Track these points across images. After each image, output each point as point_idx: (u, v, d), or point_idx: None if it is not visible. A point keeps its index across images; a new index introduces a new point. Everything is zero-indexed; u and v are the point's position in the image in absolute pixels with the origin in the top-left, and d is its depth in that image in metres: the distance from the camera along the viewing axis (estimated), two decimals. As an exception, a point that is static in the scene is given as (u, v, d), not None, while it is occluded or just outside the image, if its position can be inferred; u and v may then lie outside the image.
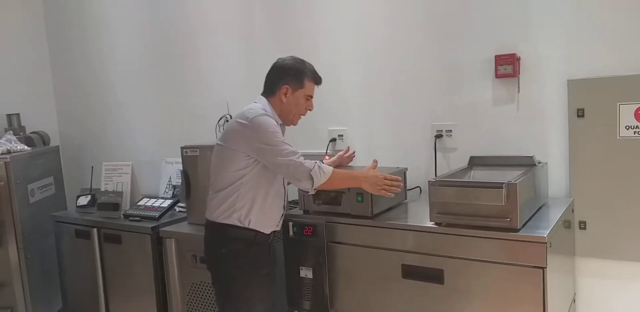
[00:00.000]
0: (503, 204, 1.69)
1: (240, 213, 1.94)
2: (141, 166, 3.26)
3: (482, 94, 2.35)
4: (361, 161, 2.50)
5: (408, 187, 2.27)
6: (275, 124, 1.93)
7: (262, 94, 2.06)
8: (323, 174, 1.90)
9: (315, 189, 1.92)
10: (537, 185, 1.99)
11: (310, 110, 2.09)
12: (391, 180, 1.96)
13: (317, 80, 2.07)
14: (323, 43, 2.71)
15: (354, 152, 2.35)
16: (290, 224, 2.12)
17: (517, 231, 1.70)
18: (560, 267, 1.90)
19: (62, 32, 3.74)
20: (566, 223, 2.01)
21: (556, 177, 2.21)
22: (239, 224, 1.94)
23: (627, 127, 2.06)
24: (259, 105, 1.99)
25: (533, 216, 1.88)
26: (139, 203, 2.88)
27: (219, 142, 1.99)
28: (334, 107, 2.72)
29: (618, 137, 2.07)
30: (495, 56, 2.25)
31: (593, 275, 2.17)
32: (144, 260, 2.62)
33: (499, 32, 2.28)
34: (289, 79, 2.01)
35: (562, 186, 2.21)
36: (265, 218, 1.98)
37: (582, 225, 2.16)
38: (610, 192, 2.10)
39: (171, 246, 2.49)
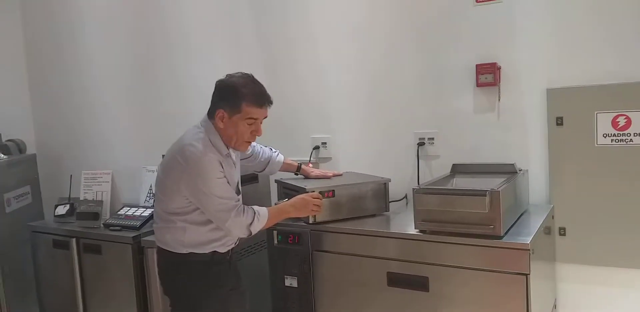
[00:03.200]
0: (486, 211, 1.72)
1: (189, 243, 1.88)
2: (121, 174, 3.20)
3: (464, 102, 2.38)
4: (345, 169, 2.52)
5: (392, 199, 2.27)
6: (219, 166, 1.80)
7: (207, 115, 1.92)
8: (260, 224, 1.87)
9: None
10: (519, 192, 2.03)
11: (258, 135, 1.91)
12: (319, 198, 1.98)
13: (260, 102, 1.85)
14: (308, 50, 2.72)
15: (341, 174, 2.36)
16: (275, 232, 2.12)
17: (500, 238, 1.73)
18: (542, 273, 1.93)
19: (38, 39, 3.67)
20: (547, 229, 2.05)
21: (536, 184, 2.25)
22: (191, 251, 1.89)
23: (605, 135, 2.11)
24: (201, 133, 1.86)
25: (515, 222, 1.92)
26: (119, 212, 2.83)
27: (159, 171, 1.91)
28: (317, 114, 2.73)
29: (596, 145, 2.12)
30: (477, 65, 2.29)
31: (573, 281, 2.21)
32: (125, 270, 2.57)
33: (481, 41, 2.32)
34: (225, 103, 1.84)
35: (542, 193, 2.25)
36: (221, 242, 1.92)
37: (562, 231, 2.20)
38: (589, 198, 2.14)
39: (153, 256, 2.43)
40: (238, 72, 1.90)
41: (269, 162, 2.28)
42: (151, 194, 3.03)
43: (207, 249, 1.90)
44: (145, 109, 3.28)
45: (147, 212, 2.76)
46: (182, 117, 3.02)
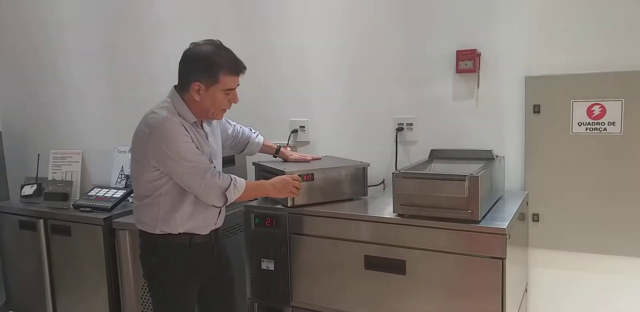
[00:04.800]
0: (465, 196, 1.73)
1: (166, 223, 1.84)
2: (92, 154, 3.13)
3: (443, 88, 2.39)
4: (323, 153, 2.51)
5: (370, 183, 2.27)
6: (184, 131, 1.76)
7: (175, 87, 1.87)
8: (237, 191, 1.83)
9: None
10: (495, 178, 2.05)
11: (234, 102, 1.87)
12: (299, 180, 1.97)
13: (237, 70, 1.81)
14: (287, 33, 2.68)
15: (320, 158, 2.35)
16: (252, 215, 2.10)
17: (477, 222, 1.75)
18: (516, 258, 1.97)
19: (4, 16, 3.52)
20: (521, 216, 2.08)
21: (512, 171, 2.29)
22: (168, 232, 1.85)
23: (580, 124, 2.15)
24: (167, 103, 1.82)
25: (491, 208, 1.94)
26: (89, 193, 2.77)
27: (131, 150, 1.87)
28: (296, 97, 2.70)
29: (571, 133, 2.16)
30: (457, 51, 2.29)
31: (544, 265, 2.27)
32: (96, 253, 2.53)
33: (462, 27, 2.32)
34: (200, 75, 1.78)
35: (517, 180, 2.29)
36: (197, 221, 1.88)
37: (536, 217, 2.25)
38: (563, 186, 2.19)
39: (125, 238, 2.42)
40: (203, 40, 1.83)
41: (247, 142, 2.25)
42: (123, 176, 2.98)
43: (184, 228, 1.86)
44: (117, 88, 3.20)
45: (119, 194, 2.71)
46: (155, 97, 2.93)
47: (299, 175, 2.01)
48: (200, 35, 2.81)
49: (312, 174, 2.06)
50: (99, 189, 2.79)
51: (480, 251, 1.73)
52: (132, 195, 2.75)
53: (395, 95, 2.50)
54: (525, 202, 2.19)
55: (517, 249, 1.99)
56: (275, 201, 2.12)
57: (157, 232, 1.86)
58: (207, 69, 1.78)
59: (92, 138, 3.29)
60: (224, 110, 1.90)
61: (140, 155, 1.82)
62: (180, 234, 1.86)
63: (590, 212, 2.15)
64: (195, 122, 1.85)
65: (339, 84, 2.62)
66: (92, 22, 3.22)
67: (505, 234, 1.69)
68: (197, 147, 1.81)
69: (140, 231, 1.92)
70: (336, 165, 2.17)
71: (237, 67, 1.82)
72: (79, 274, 2.60)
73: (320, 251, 2.00)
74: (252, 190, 1.91)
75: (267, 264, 2.09)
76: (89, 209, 2.63)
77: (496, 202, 2.04)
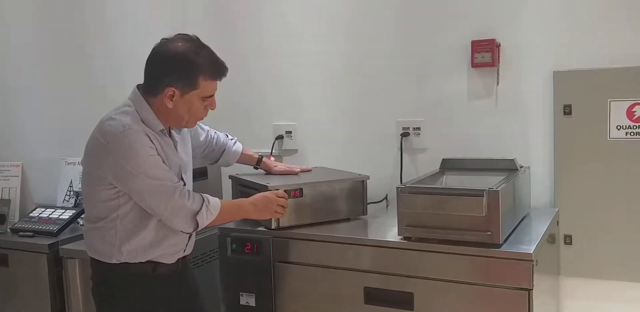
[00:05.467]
0: (483, 214, 1.73)
1: (124, 251, 1.83)
2: (34, 166, 3.11)
3: (456, 86, 2.41)
4: (314, 164, 2.52)
5: (370, 200, 2.28)
6: (148, 141, 1.76)
7: (139, 89, 1.86)
8: (210, 215, 1.82)
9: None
10: (519, 193, 2.06)
11: (212, 109, 1.89)
12: (285, 197, 1.97)
13: (219, 74, 1.83)
14: (269, 24, 2.70)
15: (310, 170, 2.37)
16: (229, 240, 2.09)
17: (498, 246, 1.75)
18: (545, 288, 1.98)
19: None
20: (550, 238, 2.10)
21: (539, 184, 2.30)
22: (126, 261, 1.84)
23: (619, 127, 2.17)
24: (128, 107, 1.81)
25: (515, 229, 1.95)
26: (31, 214, 2.75)
27: (83, 162, 1.87)
28: (282, 97, 2.71)
29: (608, 139, 2.18)
30: (472, 42, 2.31)
31: (579, 297, 2.27)
32: (39, 286, 2.49)
33: (477, 14, 2.34)
34: (175, 79, 1.77)
35: (546, 194, 2.30)
36: (162, 249, 1.87)
37: (568, 239, 2.26)
38: (600, 202, 2.20)
39: (74, 268, 2.40)
40: (177, 35, 1.83)
41: (223, 151, 2.25)
42: (72, 192, 2.97)
43: (147, 257, 1.85)
44: (65, 88, 3.20)
45: (67, 215, 2.69)
46: (114, 99, 2.91)
47: (284, 191, 2.01)
48: (165, 25, 2.87)
49: (301, 190, 2.06)
50: (43, 209, 2.76)
51: (503, 280, 1.73)
52: (82, 216, 2.74)
53: (399, 94, 2.51)
54: (556, 222, 2.20)
55: (546, 277, 2.00)
56: (256, 222, 2.11)
57: (113, 261, 1.85)
58: (185, 72, 1.78)
59: (34, 147, 3.27)
60: (199, 120, 1.92)
61: (94, 169, 1.81)
62: (141, 262, 1.86)
63: (633, 233, 2.16)
64: (162, 130, 1.85)
65: (333, 81, 2.63)
66: (34, 12, 3.22)
67: (532, 260, 1.70)
68: (163, 161, 1.81)
69: (93, 259, 1.91)
70: (329, 178, 2.17)
71: (219, 70, 1.83)
72: (18, 310, 2.57)
73: (310, 282, 1.99)
74: (228, 212, 1.91)
75: (247, 299, 2.08)
76: (31, 234, 2.60)
77: (521, 221, 2.05)
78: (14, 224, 2.71)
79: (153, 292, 1.89)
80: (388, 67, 2.52)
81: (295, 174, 2.28)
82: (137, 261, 1.85)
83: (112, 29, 3.06)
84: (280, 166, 2.32)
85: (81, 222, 2.74)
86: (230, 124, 2.52)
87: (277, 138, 2.73)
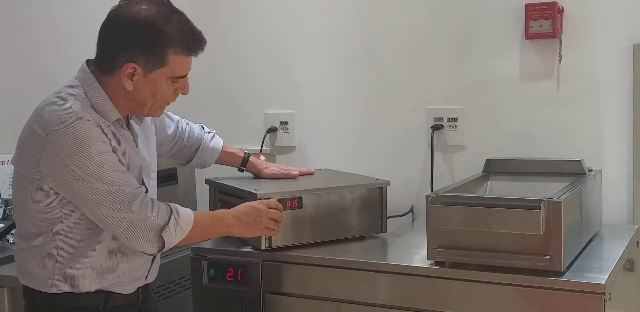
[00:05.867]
0: (540, 233, 1.72)
1: (68, 277, 1.81)
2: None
3: (505, 64, 2.41)
4: (317, 165, 2.52)
5: (391, 213, 2.27)
6: (101, 134, 1.75)
7: (90, 65, 1.85)
8: (180, 231, 1.80)
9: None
10: (588, 205, 2.05)
11: (183, 94, 1.90)
12: (278, 208, 1.96)
13: (193, 47, 1.83)
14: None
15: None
16: (205, 263, 2.09)
17: (560, 275, 1.74)
18: (621, 330, 1.97)
19: None
20: (628, 264, 2.08)
21: (614, 194, 2.29)
22: (72, 290, 1.83)
23: None
24: (73, 91, 1.80)
25: (581, 252, 1.94)
26: (-54, 229, 2.75)
27: (14, 161, 1.87)
28: (276, 77, 2.72)
29: None
30: (526, 6, 2.31)
31: (665, 342, 2.26)
32: (-43, 322, 2.50)
33: (533, -32, 2.33)
34: (138, 53, 1.76)
35: (622, 207, 2.30)
36: (118, 275, 1.86)
37: (651, 266, 2.25)
38: (693, 216, 2.19)
39: (2, 300, 2.40)
40: None
41: (198, 147, 2.25)
42: (0, 200, 2.97)
43: (97, 285, 1.84)
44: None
45: (-6, 229, 2.69)
46: (57, 78, 2.93)
47: (278, 200, 1.99)
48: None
49: (300, 199, 2.05)
50: (-37, 223, 2.77)
51: (566, 319, 1.72)
52: (12, 232, 2.74)
53: (429, 74, 2.51)
54: (635, 243, 2.18)
55: (622, 316, 1.98)
56: (242, 241, 2.10)
57: (53, 290, 1.83)
58: (150, 44, 1.77)
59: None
60: (166, 105, 1.91)
61: (28, 169, 1.80)
62: (89, 292, 1.85)
63: None
64: (119, 119, 1.84)
65: (341, 59, 2.63)
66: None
67: (604, 294, 1.68)
68: (119, 161, 1.80)
69: (26, 288, 1.90)
70: (337, 184, 2.16)
71: (194, 43, 1.83)
72: None
73: (311, 320, 1.99)
74: (204, 227, 1.89)
75: (229, 342, 2.08)
76: (-54, 254, 2.60)
77: (589, 242, 2.04)
78: None
79: None
80: (416, 39, 2.52)
81: (293, 178, 2.28)
82: (84, 290, 1.84)
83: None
84: (272, 168, 2.32)
85: (11, 240, 2.74)
86: (207, 112, 2.51)
87: (268, 131, 2.73)
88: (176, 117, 2.23)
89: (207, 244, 2.12)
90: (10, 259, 2.54)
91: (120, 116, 1.84)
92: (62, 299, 1.84)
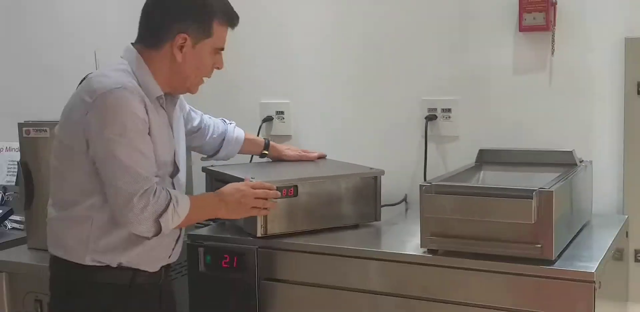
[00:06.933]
0: (532, 222, 1.73)
1: (100, 249, 1.86)
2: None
3: (498, 55, 2.42)
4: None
5: (385, 202, 2.29)
6: (139, 108, 1.81)
7: (135, 44, 1.95)
8: (177, 218, 1.84)
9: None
10: (579, 195, 2.06)
11: (219, 68, 2.03)
12: (263, 188, 1.97)
13: (232, 20, 1.97)
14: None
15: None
16: (201, 250, 2.10)
17: (551, 263, 1.75)
18: (610, 317, 1.99)
19: None
20: (617, 253, 2.09)
21: (604, 184, 2.31)
22: (101, 264, 1.87)
23: None
24: (122, 65, 1.90)
25: (572, 241, 1.95)
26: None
27: (57, 132, 1.92)
28: (271, 68, 2.73)
29: (694, 126, 2.19)
30: (520, -1, 2.32)
31: (652, 330, 2.29)
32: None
33: (527, -38, 2.33)
34: (188, 23, 1.88)
35: (612, 197, 2.32)
36: (146, 251, 1.91)
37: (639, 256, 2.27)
38: (682, 207, 2.21)
39: (0, 284, 2.43)
40: None
41: (223, 139, 2.30)
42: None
43: (127, 257, 1.88)
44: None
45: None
46: (55, 67, 3.05)
47: (277, 188, 2.00)
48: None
49: (295, 187, 2.05)
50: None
51: (556, 307, 1.73)
52: (12, 217, 2.75)
53: (424, 66, 2.52)
54: (624, 233, 2.19)
55: (611, 304, 2.00)
56: (239, 228, 2.11)
57: (87, 262, 1.87)
58: (199, 14, 1.89)
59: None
60: (202, 81, 2.01)
61: (70, 136, 1.84)
62: (118, 268, 1.89)
63: None
64: (160, 97, 1.92)
65: (336, 49, 2.64)
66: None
67: (594, 282, 1.69)
68: (152, 141, 1.84)
69: (58, 260, 1.92)
70: (332, 173, 2.17)
71: (233, 15, 1.97)
72: None
73: (306, 306, 2.00)
74: (194, 213, 1.91)
75: (224, 327, 2.09)
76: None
77: (579, 231, 2.05)
78: None
79: (131, 307, 1.91)
80: (411, 31, 2.53)
81: (312, 159, 2.36)
82: (114, 262, 1.88)
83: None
84: (292, 150, 2.38)
85: (9, 225, 2.77)
86: (205, 102, 2.51)
87: (264, 120, 2.75)
88: (200, 112, 2.28)
89: (204, 231, 2.14)
90: (9, 245, 2.59)
91: (162, 94, 1.92)
92: (94, 273, 1.88)
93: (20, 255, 2.48)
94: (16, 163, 2.59)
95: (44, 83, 3.12)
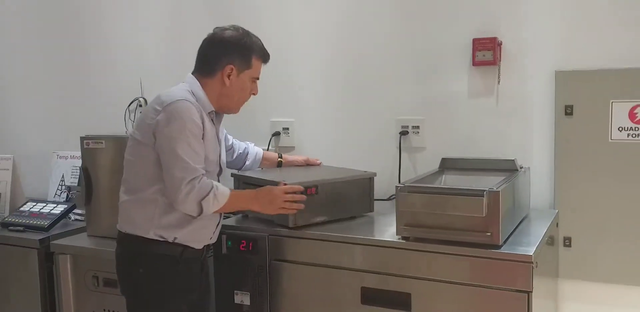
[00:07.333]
0: (483, 215, 1.73)
1: (161, 225, 1.91)
2: (25, 160, 3.11)
3: (456, 84, 2.42)
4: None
5: (377, 197, 2.28)
6: (196, 116, 1.88)
7: (193, 73, 2.03)
8: (216, 203, 1.89)
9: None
10: (519, 194, 2.07)
11: (254, 94, 2.09)
12: (292, 193, 1.97)
13: (266, 57, 2.07)
14: (269, 17, 2.70)
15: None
16: (224, 237, 2.09)
17: (498, 247, 1.76)
18: (544, 291, 1.98)
19: None
20: (550, 240, 2.10)
21: (539, 185, 2.31)
22: (160, 238, 1.91)
23: (620, 129, 2.18)
24: (184, 86, 1.97)
25: (514, 230, 1.96)
26: (22, 208, 2.75)
27: (132, 133, 1.98)
28: (279, 94, 2.72)
29: (610, 140, 2.18)
30: (473, 40, 2.32)
31: (578, 300, 2.28)
32: (29, 282, 2.50)
33: (479, 12, 2.35)
34: (234, 57, 1.98)
35: (546, 196, 2.32)
36: (195, 230, 1.95)
37: (567, 242, 2.27)
38: (600, 204, 2.21)
39: (65, 264, 2.41)
40: (228, 26, 2.03)
41: (247, 155, 2.36)
42: (64, 187, 2.97)
43: (181, 233, 1.92)
44: (60, 83, 3.21)
45: (59, 209, 2.69)
46: (108, 93, 3.04)
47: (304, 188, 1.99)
48: (163, 19, 2.87)
49: (316, 186, 2.06)
50: (34, 204, 2.76)
51: (502, 282, 1.73)
52: (75, 211, 2.74)
53: (398, 92, 2.52)
54: (555, 224, 2.20)
55: (545, 280, 2.00)
56: (257, 219, 2.13)
57: (151, 236, 1.90)
58: (242, 51, 1.99)
59: (25, 140, 3.27)
60: (243, 102, 2.08)
61: (142, 134, 1.91)
62: (173, 243, 1.92)
63: (633, 235, 2.17)
64: (212, 112, 1.99)
65: (331, 79, 2.64)
66: (28, 4, 3.22)
67: (532, 262, 1.70)
68: (202, 142, 1.90)
69: (125, 234, 1.96)
70: (342, 175, 2.18)
71: (266, 53, 2.06)
72: (7, 307, 2.57)
73: (307, 281, 2.00)
74: (233, 202, 1.94)
75: (242, 298, 2.08)
76: (21, 228, 2.60)
77: (520, 223, 2.06)
78: (4, 218, 2.71)
79: (180, 274, 1.95)
80: (388, 65, 2.53)
81: (318, 165, 2.41)
82: (171, 237, 1.92)
83: (107, 22, 3.05)
84: (300, 158, 2.43)
85: (73, 217, 2.76)
86: (226, 120, 2.50)
87: (274, 134, 2.74)
88: (230, 136, 2.34)
89: (226, 222, 2.14)
90: (71, 233, 2.59)
91: (213, 109, 2.00)
92: (154, 245, 1.91)
93: (81, 241, 2.48)
94: (79, 168, 2.59)
95: (97, 104, 3.12)
